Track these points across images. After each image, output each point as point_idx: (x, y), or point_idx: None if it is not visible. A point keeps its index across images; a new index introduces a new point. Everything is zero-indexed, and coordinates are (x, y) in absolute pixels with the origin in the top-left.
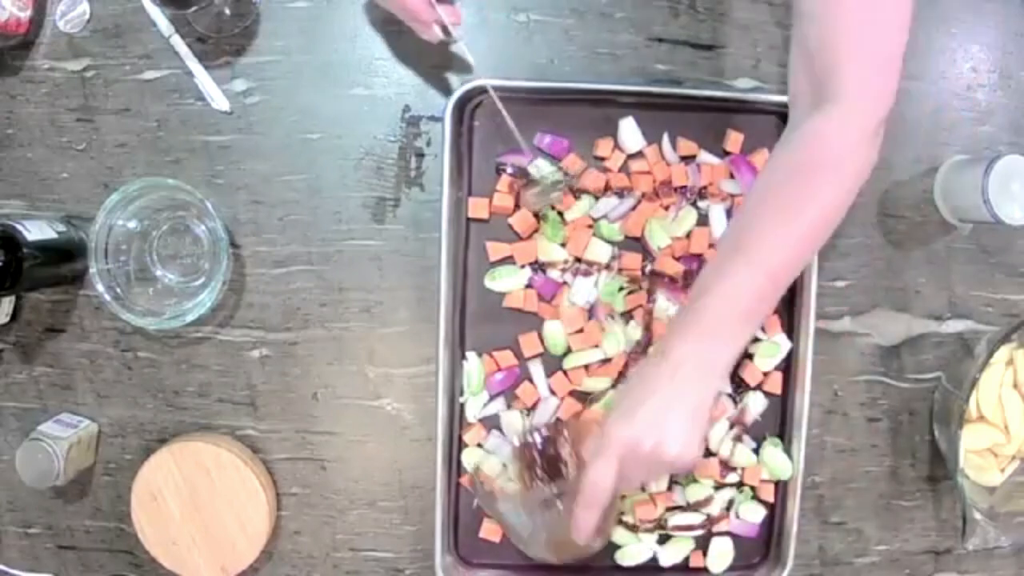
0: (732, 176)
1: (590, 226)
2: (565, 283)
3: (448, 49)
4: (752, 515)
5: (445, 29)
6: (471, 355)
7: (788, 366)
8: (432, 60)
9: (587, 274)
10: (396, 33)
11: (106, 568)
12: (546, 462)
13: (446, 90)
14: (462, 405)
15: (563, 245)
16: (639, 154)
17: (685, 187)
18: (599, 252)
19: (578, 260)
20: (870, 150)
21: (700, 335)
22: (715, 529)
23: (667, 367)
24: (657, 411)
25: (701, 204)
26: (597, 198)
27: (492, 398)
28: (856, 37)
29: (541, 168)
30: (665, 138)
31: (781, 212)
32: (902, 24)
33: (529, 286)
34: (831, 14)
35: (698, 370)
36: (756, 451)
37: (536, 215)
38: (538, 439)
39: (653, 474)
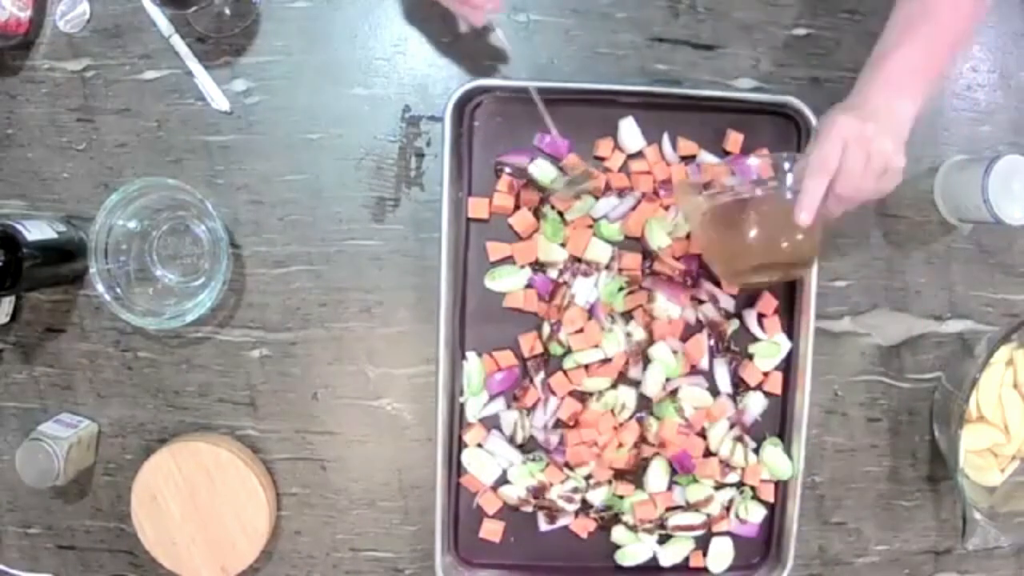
0: (733, 174)
1: (590, 226)
2: (565, 283)
3: (478, 40)
4: (752, 515)
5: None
6: (471, 355)
7: (788, 366)
8: (437, 58)
9: (587, 274)
10: (417, 21)
11: (106, 568)
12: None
13: (447, 90)
14: (462, 405)
15: (563, 245)
16: (639, 154)
17: None
18: (599, 252)
19: (578, 260)
20: None
21: (887, 90)
22: (715, 529)
23: (864, 114)
24: (876, 112)
25: None
26: (597, 198)
27: (492, 398)
28: None
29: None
30: (665, 138)
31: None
32: None
33: (529, 286)
34: None
35: (891, 118)
36: (756, 451)
37: (536, 214)
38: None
39: (869, 169)
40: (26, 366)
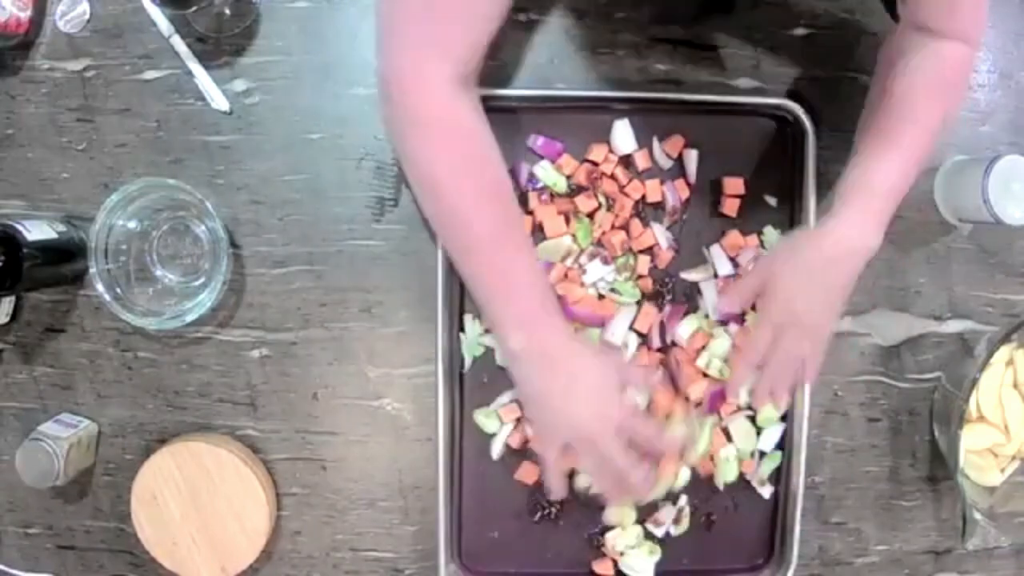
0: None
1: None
2: (580, 267)
3: None
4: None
5: None
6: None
7: None
8: None
9: (606, 261)
10: None
11: (106, 568)
12: None
13: None
14: (462, 407)
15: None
16: (629, 160)
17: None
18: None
19: (595, 245)
20: None
21: (859, 218)
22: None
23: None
24: (828, 266)
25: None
26: (609, 200)
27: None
28: None
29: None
30: (655, 144)
31: (918, 119)
32: None
33: None
34: None
35: (837, 279)
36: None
37: (566, 219)
38: None
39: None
40: (26, 366)
